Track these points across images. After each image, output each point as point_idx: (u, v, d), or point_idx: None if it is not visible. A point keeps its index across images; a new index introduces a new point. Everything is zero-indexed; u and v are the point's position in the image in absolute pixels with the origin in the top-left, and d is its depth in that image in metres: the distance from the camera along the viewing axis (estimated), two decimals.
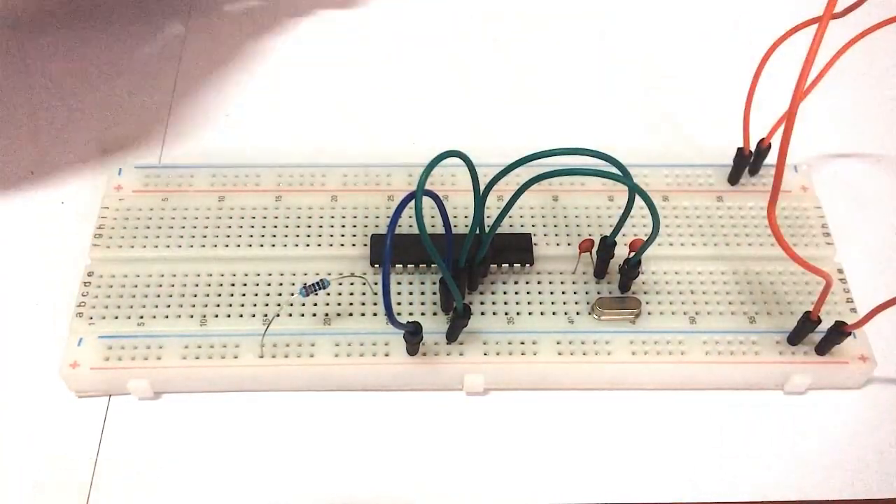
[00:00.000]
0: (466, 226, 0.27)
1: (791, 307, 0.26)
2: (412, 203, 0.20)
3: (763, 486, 0.24)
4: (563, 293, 0.26)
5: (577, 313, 0.26)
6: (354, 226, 0.27)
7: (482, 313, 0.26)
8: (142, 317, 0.25)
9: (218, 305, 0.26)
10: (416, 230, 0.27)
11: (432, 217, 0.27)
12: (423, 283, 0.26)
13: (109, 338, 0.25)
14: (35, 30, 0.35)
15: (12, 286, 0.27)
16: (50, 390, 0.25)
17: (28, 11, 0.36)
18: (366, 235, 0.27)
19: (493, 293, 0.26)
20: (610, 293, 0.26)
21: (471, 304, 0.25)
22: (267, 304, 0.26)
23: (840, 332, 0.24)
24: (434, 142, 0.32)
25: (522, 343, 0.25)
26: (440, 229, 0.24)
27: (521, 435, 0.25)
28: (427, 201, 0.21)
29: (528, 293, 0.26)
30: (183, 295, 0.26)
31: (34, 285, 0.27)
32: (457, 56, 0.35)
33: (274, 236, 0.27)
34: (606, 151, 0.22)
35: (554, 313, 0.26)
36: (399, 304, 0.26)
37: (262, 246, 0.27)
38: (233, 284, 0.26)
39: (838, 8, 0.20)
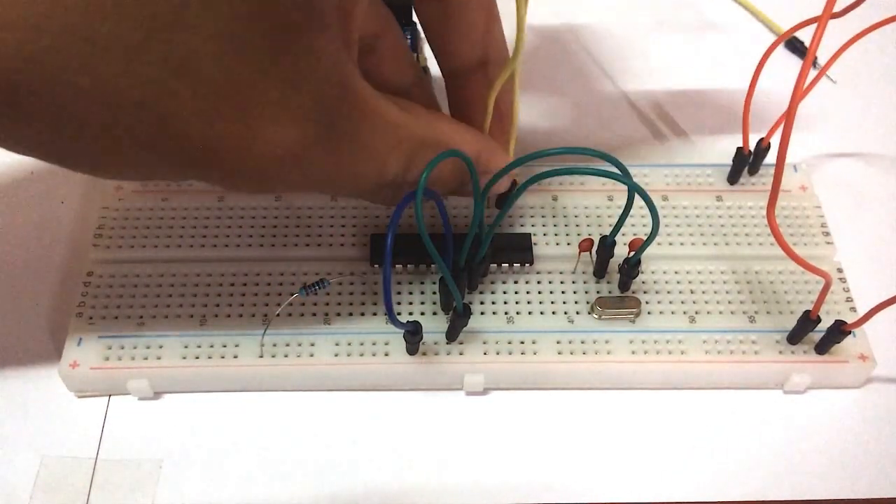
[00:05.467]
0: (466, 226, 0.27)
1: (791, 306, 0.26)
2: (411, 202, 0.20)
3: (763, 485, 0.24)
4: (562, 293, 0.26)
5: (577, 313, 0.26)
6: (354, 226, 0.27)
7: (482, 313, 0.26)
8: (142, 317, 0.25)
9: (218, 305, 0.26)
10: (416, 230, 0.27)
11: (432, 217, 0.27)
12: (422, 283, 0.26)
13: (109, 338, 0.25)
14: None
15: (12, 286, 0.27)
16: (50, 390, 0.25)
17: None
18: (366, 235, 0.27)
19: (492, 293, 0.26)
20: (610, 293, 0.26)
21: (470, 303, 0.25)
22: (267, 304, 0.26)
23: (840, 331, 0.24)
24: None
25: (522, 343, 0.25)
26: (440, 229, 0.24)
27: (521, 435, 0.25)
28: (427, 201, 0.21)
29: (527, 293, 0.26)
30: (183, 295, 0.26)
31: (34, 285, 0.27)
32: None
33: (274, 236, 0.27)
34: (606, 151, 0.22)
35: (554, 313, 0.26)
36: (399, 303, 0.26)
37: (262, 246, 0.27)
38: (233, 284, 0.26)
39: (837, 7, 0.20)
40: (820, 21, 0.19)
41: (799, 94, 0.20)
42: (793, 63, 0.22)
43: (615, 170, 0.22)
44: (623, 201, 0.24)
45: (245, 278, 0.26)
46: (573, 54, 0.35)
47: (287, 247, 0.27)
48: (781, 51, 0.26)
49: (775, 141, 0.28)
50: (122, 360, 0.24)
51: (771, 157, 0.28)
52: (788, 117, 0.20)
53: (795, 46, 0.34)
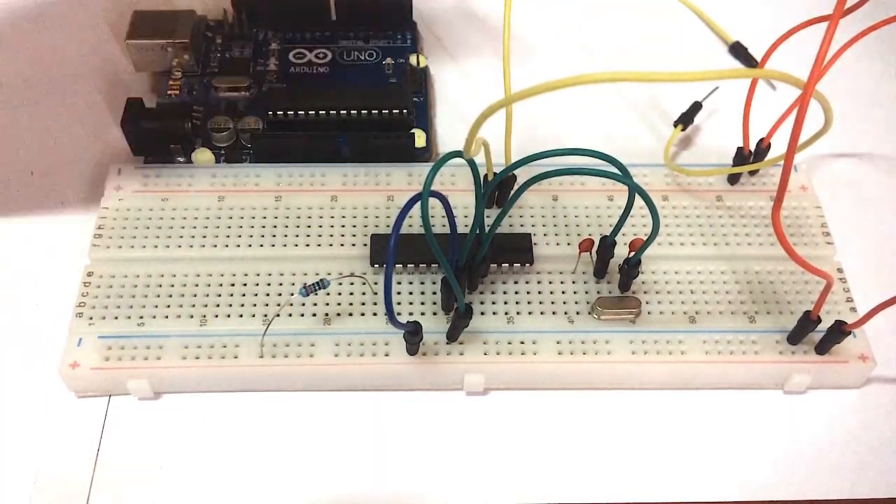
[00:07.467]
0: (466, 226, 0.27)
1: (791, 307, 0.26)
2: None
3: (763, 485, 0.24)
4: (562, 293, 0.26)
5: (577, 313, 0.26)
6: (354, 226, 0.27)
7: (482, 313, 0.26)
8: (142, 317, 0.25)
9: (218, 305, 0.26)
10: (415, 230, 0.27)
11: (431, 217, 0.27)
12: (423, 283, 0.26)
13: (109, 338, 0.25)
14: None
15: (12, 286, 0.27)
16: (50, 390, 0.25)
17: None
18: (366, 235, 0.27)
19: (493, 293, 0.26)
20: (610, 293, 0.26)
21: (471, 303, 0.25)
22: (267, 304, 0.26)
23: (840, 331, 0.24)
24: (434, 142, 0.32)
25: (522, 343, 0.25)
26: (439, 229, 0.24)
27: (521, 435, 0.25)
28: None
29: (527, 293, 0.26)
30: (183, 295, 0.26)
31: (34, 285, 0.27)
32: (457, 56, 0.35)
33: (274, 236, 0.27)
34: (606, 151, 0.22)
35: (554, 313, 0.26)
36: (399, 303, 0.26)
37: (262, 246, 0.27)
38: (233, 284, 0.26)
39: (830, 9, 0.20)
40: (832, 18, 0.19)
41: (808, 93, 0.20)
42: (792, 63, 0.22)
43: (615, 170, 0.22)
44: (623, 201, 0.24)
45: (245, 278, 0.26)
46: (572, 54, 0.35)
47: (287, 247, 0.27)
48: (781, 51, 0.26)
49: (775, 141, 0.28)
50: (122, 360, 0.24)
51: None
52: (798, 122, 0.20)
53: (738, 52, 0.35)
